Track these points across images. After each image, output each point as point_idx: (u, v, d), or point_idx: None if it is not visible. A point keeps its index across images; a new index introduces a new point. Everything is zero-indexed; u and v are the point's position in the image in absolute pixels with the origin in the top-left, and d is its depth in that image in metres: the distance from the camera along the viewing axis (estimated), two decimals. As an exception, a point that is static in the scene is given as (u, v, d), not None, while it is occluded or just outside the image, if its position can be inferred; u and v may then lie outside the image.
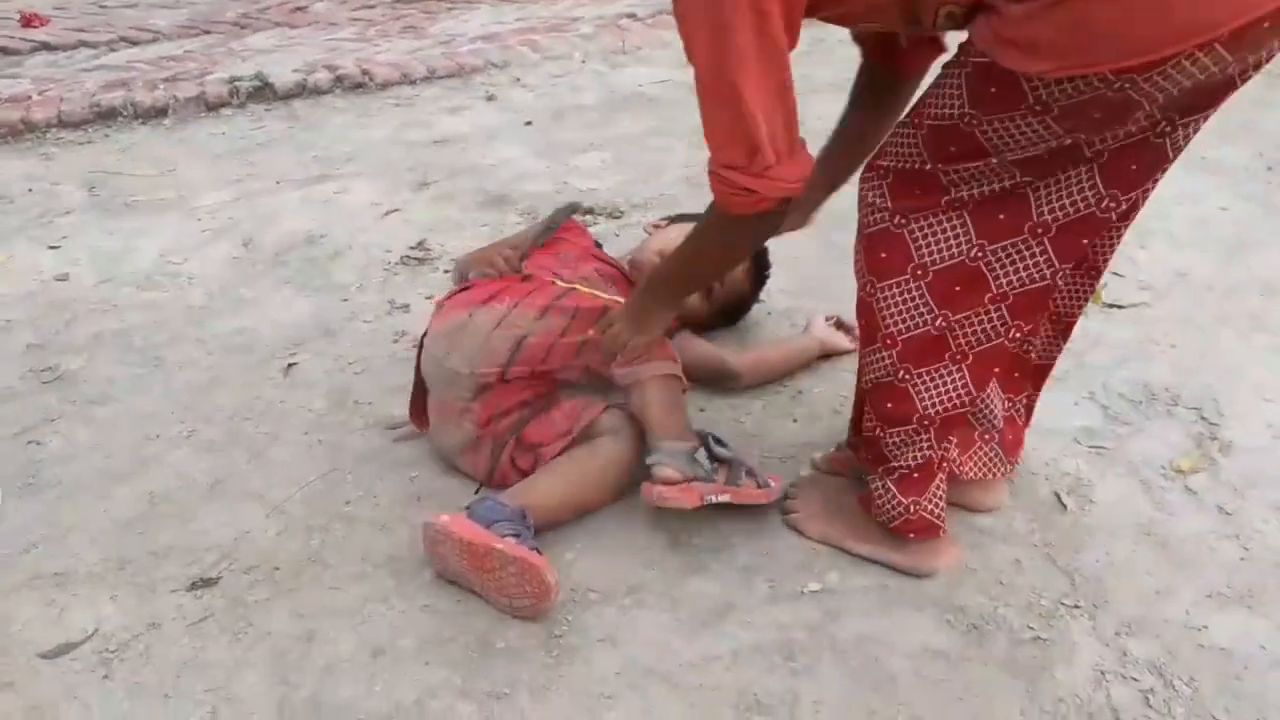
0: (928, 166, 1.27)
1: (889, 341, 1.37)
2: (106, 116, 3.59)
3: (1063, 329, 1.51)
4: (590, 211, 2.74)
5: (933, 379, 1.38)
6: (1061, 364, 1.99)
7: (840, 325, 2.08)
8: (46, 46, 4.34)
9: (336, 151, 3.29)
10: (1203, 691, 1.31)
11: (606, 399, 1.69)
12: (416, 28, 4.64)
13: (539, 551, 1.42)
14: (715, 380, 1.93)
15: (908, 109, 1.33)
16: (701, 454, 1.53)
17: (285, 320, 2.26)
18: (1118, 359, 2.03)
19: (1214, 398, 1.89)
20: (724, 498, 1.52)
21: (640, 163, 3.10)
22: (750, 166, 1.23)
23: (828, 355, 2.03)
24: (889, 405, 1.41)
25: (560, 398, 1.70)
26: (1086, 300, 1.46)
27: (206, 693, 1.34)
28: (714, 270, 1.60)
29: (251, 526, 1.63)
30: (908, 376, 1.38)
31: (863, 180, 1.38)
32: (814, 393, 1.94)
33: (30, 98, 3.68)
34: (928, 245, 1.31)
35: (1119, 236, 1.38)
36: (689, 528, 1.59)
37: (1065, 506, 1.63)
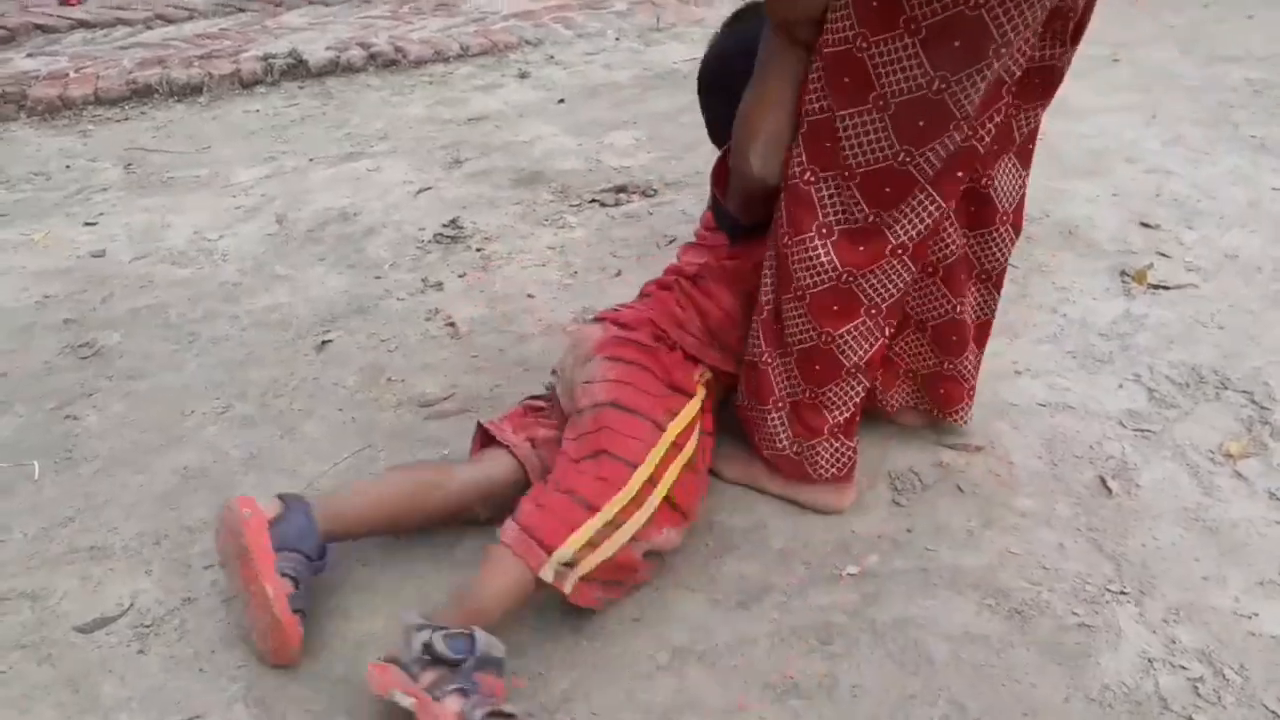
0: (830, 117, 1.33)
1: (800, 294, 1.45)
2: (143, 94, 3.61)
3: (994, 283, 1.59)
4: (624, 190, 2.72)
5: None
6: (1105, 346, 1.96)
7: None
8: (84, 24, 4.37)
9: (370, 129, 3.29)
10: (1253, 680, 1.28)
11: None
12: (450, 5, 4.63)
13: (304, 614, 1.32)
14: None
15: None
16: (431, 637, 1.22)
17: (319, 297, 2.26)
18: (1164, 341, 1.98)
19: (1264, 381, 1.84)
20: (406, 702, 1.16)
21: (674, 141, 3.07)
22: None
23: None
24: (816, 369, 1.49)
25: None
26: (1008, 253, 1.55)
27: (240, 668, 1.34)
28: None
29: (285, 502, 1.63)
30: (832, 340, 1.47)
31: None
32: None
33: (68, 75, 3.71)
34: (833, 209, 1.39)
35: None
36: (724, 508, 1.58)
37: (1110, 490, 1.60)
